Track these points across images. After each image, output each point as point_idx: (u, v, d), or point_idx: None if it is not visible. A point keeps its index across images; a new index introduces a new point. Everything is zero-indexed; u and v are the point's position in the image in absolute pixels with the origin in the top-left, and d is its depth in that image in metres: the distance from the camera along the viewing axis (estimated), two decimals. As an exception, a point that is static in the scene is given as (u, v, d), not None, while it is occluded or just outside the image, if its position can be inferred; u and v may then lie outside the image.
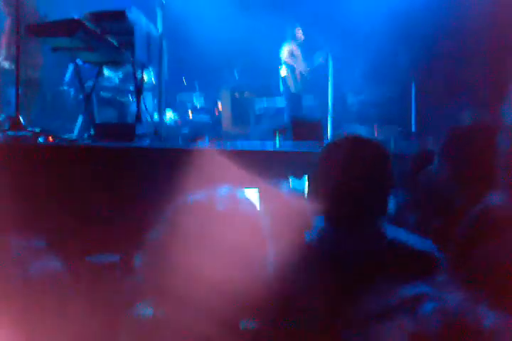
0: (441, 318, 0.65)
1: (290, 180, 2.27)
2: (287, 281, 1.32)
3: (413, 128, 6.51)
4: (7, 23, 4.69)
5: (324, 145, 1.56)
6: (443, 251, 1.41)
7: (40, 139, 3.63)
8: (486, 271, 1.04)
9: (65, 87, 6.47)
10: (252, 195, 1.77)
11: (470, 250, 1.18)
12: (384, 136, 6.03)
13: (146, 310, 1.16)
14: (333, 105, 6.73)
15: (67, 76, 6.43)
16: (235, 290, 1.08)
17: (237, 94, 8.31)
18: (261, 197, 1.75)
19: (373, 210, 1.49)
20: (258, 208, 1.26)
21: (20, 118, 3.56)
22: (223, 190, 1.19)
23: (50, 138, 3.76)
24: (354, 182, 1.45)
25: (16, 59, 3.48)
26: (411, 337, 0.64)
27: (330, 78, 6.76)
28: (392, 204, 1.55)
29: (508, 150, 1.23)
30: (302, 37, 7.12)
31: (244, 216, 1.15)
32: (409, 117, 6.63)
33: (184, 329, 1.07)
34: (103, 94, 6.40)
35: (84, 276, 1.94)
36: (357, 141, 1.52)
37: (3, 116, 4.25)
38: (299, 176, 2.38)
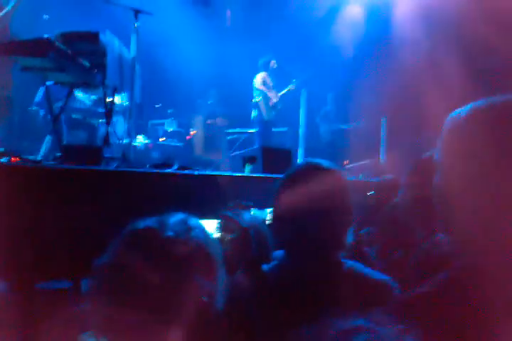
0: None
1: (252, 209, 2.25)
2: (239, 311, 1.29)
3: (382, 160, 6.61)
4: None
5: (285, 173, 1.54)
6: (399, 282, 1.39)
7: (3, 159, 3.53)
8: (419, 306, 1.04)
9: (35, 108, 6.39)
10: (210, 224, 1.73)
11: (411, 283, 1.19)
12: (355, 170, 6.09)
13: (89, 340, 1.13)
14: (305, 134, 6.80)
15: (38, 96, 6.35)
16: (183, 318, 1.05)
17: (209, 121, 8.34)
18: (220, 226, 1.72)
19: (332, 243, 1.47)
20: (213, 236, 1.24)
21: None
22: (176, 217, 1.17)
23: (13, 159, 3.67)
24: (312, 213, 1.42)
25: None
26: None
27: (301, 107, 6.86)
28: (351, 237, 1.52)
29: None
30: (275, 66, 7.25)
31: (194, 242, 1.12)
32: (378, 149, 6.74)
33: None
34: (74, 115, 6.34)
35: (34, 303, 1.86)
36: (317, 171, 1.49)
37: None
38: (262, 206, 2.36)
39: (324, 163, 1.51)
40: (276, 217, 1.53)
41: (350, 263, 1.46)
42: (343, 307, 0.77)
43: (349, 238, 1.47)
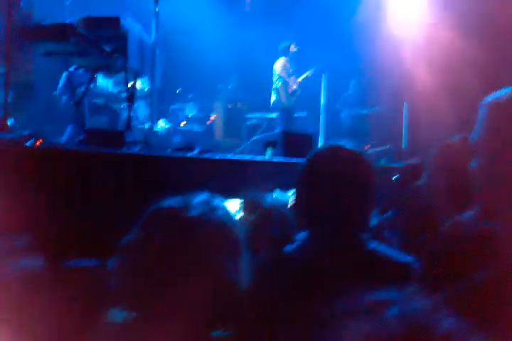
0: (402, 322, 0.68)
1: (274, 192, 2.26)
2: (263, 292, 1.30)
3: (404, 145, 6.54)
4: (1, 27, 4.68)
5: (308, 155, 1.53)
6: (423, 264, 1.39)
7: (28, 143, 3.59)
8: (450, 281, 1.05)
9: (58, 93, 6.45)
10: (233, 205, 1.75)
11: (438, 261, 1.19)
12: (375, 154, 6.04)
13: (118, 315, 1.15)
14: (326, 119, 6.75)
15: (61, 82, 6.41)
16: (207, 297, 1.07)
17: (230, 105, 8.33)
18: (243, 208, 1.73)
19: (355, 224, 1.46)
20: (236, 217, 1.25)
21: (8, 121, 3.53)
22: (200, 197, 1.18)
23: (38, 142, 3.73)
24: (337, 194, 1.42)
25: (6, 62, 3.46)
26: (368, 338, 0.67)
27: (323, 92, 6.79)
28: (375, 220, 1.52)
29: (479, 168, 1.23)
30: (295, 50, 7.18)
31: (217, 222, 1.13)
32: (400, 134, 6.66)
33: (154, 334, 1.06)
34: (96, 100, 6.39)
35: (62, 280, 1.91)
36: (341, 152, 1.48)
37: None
38: (284, 188, 2.36)
39: (347, 145, 1.50)
40: (299, 199, 1.52)
41: (373, 244, 1.46)
42: (366, 284, 0.78)
43: (372, 220, 1.47)
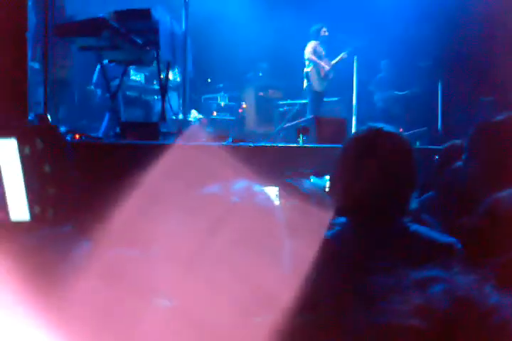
0: (448, 297, 0.68)
1: (311, 177, 2.27)
2: (306, 277, 1.32)
3: (439, 127, 6.42)
4: (34, 23, 4.79)
5: (346, 139, 1.53)
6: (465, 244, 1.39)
7: (68, 137, 3.69)
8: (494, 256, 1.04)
9: (92, 87, 6.57)
10: (271, 191, 1.77)
11: (480, 238, 1.18)
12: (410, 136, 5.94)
13: (163, 303, 1.18)
14: (358, 103, 6.66)
15: (95, 76, 6.52)
16: (250, 282, 1.08)
17: (261, 93, 8.32)
18: (280, 194, 1.75)
19: (396, 207, 1.46)
20: (276, 203, 1.26)
21: (48, 116, 3.63)
22: (240, 184, 1.19)
23: (77, 136, 3.83)
24: (376, 176, 1.41)
25: (44, 59, 3.54)
26: (419, 310, 0.68)
27: (355, 75, 6.69)
28: (414, 202, 1.51)
29: None
30: (326, 34, 7.08)
31: (259, 208, 1.14)
32: (435, 116, 6.54)
33: (199, 319, 1.08)
34: (129, 93, 6.48)
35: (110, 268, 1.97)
36: (380, 134, 1.47)
37: (32, 115, 4.35)
38: (320, 173, 2.37)
39: (386, 127, 1.48)
40: (337, 183, 1.52)
41: (414, 226, 1.46)
42: (409, 263, 0.79)
43: (412, 203, 1.46)
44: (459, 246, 1.40)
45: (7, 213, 1.83)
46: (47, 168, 1.90)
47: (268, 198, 1.19)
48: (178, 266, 1.17)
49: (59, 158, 1.98)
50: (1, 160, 1.83)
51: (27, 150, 1.85)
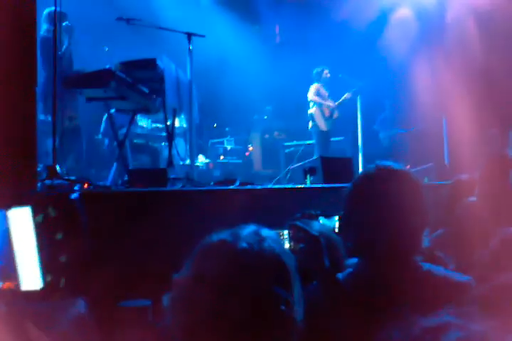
0: None
1: (320, 218, 2.25)
2: (318, 321, 1.29)
3: (446, 162, 6.41)
4: (43, 76, 4.93)
5: (355, 178, 1.52)
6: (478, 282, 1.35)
7: (76, 187, 3.71)
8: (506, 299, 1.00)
9: (100, 136, 6.68)
10: (280, 234, 1.75)
11: (490, 278, 1.15)
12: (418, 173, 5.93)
13: None
14: (364, 141, 6.71)
15: (102, 125, 6.65)
16: (261, 332, 1.06)
17: (267, 135, 8.41)
18: (290, 237, 1.73)
19: (408, 246, 1.43)
20: (285, 247, 1.25)
21: (57, 167, 3.66)
22: (248, 229, 1.19)
23: (86, 186, 3.85)
24: (388, 215, 1.39)
25: (53, 110, 3.62)
26: None
27: (359, 114, 6.78)
28: (426, 240, 1.49)
29: None
30: (328, 76, 7.23)
31: (268, 254, 1.13)
32: (441, 151, 6.55)
33: None
34: (136, 140, 6.58)
35: (117, 321, 1.93)
36: (389, 172, 1.46)
37: (41, 166, 4.40)
38: (329, 214, 2.35)
39: (395, 165, 1.48)
40: (347, 223, 1.51)
41: (427, 265, 1.43)
42: (425, 309, 0.74)
43: (424, 241, 1.44)
44: (474, 284, 1.36)
45: (18, 282, 1.81)
46: (59, 236, 1.90)
47: (277, 242, 1.18)
48: None
49: (71, 226, 1.99)
50: (14, 229, 1.83)
51: (40, 219, 1.85)
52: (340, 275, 1.49)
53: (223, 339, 1.08)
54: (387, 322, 0.75)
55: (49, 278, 1.83)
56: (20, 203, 1.82)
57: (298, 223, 1.71)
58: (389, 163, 1.49)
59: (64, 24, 4.91)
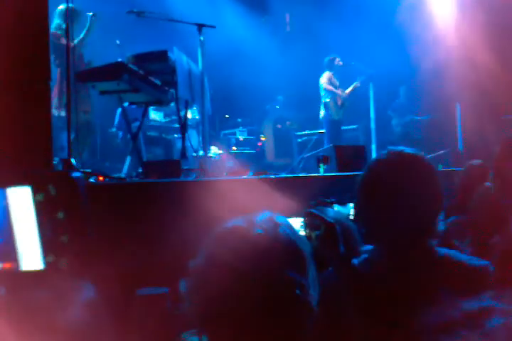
0: (509, 332, 0.59)
1: (335, 206, 2.26)
2: (334, 308, 1.30)
3: (460, 148, 6.36)
4: (57, 73, 4.98)
5: (368, 163, 1.51)
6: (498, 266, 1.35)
7: (92, 179, 3.76)
8: None
9: (114, 129, 6.73)
10: (295, 222, 1.77)
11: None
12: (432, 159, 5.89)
13: (191, 339, 1.17)
14: (376, 129, 6.68)
15: (116, 119, 6.69)
16: (277, 316, 1.07)
17: (279, 125, 8.40)
18: (305, 224, 1.74)
19: (423, 230, 1.43)
20: (300, 234, 1.25)
21: (72, 160, 3.71)
22: (262, 215, 1.19)
23: (101, 178, 3.90)
24: (402, 199, 1.38)
25: (67, 106, 3.65)
26: None
27: (371, 101, 6.74)
28: (441, 225, 1.49)
29: None
30: (340, 63, 7.19)
31: (283, 239, 1.14)
32: (455, 138, 6.50)
33: None
34: (150, 133, 6.62)
35: (134, 309, 1.97)
36: (403, 156, 1.45)
37: (57, 159, 4.45)
38: (343, 201, 2.36)
39: (407, 149, 1.47)
40: (362, 210, 1.51)
41: (443, 250, 1.43)
42: (445, 295, 0.72)
43: (440, 225, 1.43)
44: (492, 268, 1.36)
45: (17, 263, 1.82)
46: (60, 215, 1.91)
47: (292, 229, 1.19)
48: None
49: (73, 205, 1.99)
50: (14, 209, 1.84)
51: (40, 197, 1.86)
52: (356, 261, 1.50)
53: (240, 323, 1.09)
54: (418, 308, 0.72)
55: (50, 259, 1.84)
56: (21, 182, 1.83)
57: (313, 210, 1.72)
58: (401, 148, 1.48)
59: (87, 14, 4.93)
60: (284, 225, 1.18)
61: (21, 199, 1.84)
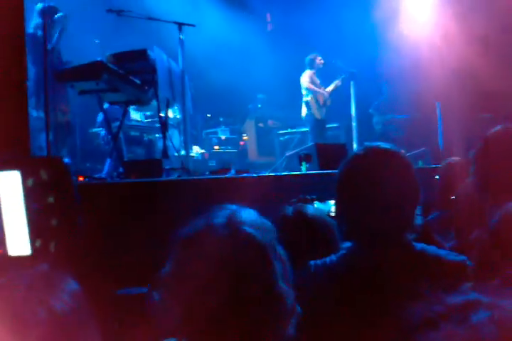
0: (499, 326, 0.58)
1: (315, 203, 2.26)
2: (312, 305, 1.29)
3: (440, 146, 6.43)
4: (34, 72, 4.90)
5: (344, 160, 1.52)
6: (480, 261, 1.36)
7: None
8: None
9: (95, 129, 6.65)
10: (277, 220, 1.77)
11: (495, 254, 1.16)
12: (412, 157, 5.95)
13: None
14: (358, 127, 6.72)
15: (98, 118, 6.62)
16: (255, 314, 1.07)
17: (261, 124, 8.41)
18: (285, 221, 1.75)
19: (400, 224, 1.43)
20: (280, 232, 1.24)
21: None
22: (223, 214, 1.16)
23: (81, 178, 3.85)
24: (379, 194, 1.39)
25: (45, 105, 3.60)
26: None
27: (352, 100, 6.78)
28: (419, 219, 1.49)
29: None
30: (321, 62, 7.21)
31: (243, 239, 1.12)
32: (435, 136, 6.57)
33: None
34: (131, 133, 6.56)
35: (114, 309, 1.95)
36: (379, 152, 1.46)
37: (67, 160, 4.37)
38: (324, 199, 2.37)
39: (384, 145, 1.48)
40: (340, 206, 1.51)
41: (420, 245, 1.44)
42: (426, 289, 0.71)
43: (417, 219, 1.44)
44: (469, 263, 1.38)
45: (5, 248, 1.79)
46: (50, 199, 1.89)
47: (254, 225, 1.18)
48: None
49: (63, 189, 1.98)
50: (2, 193, 1.81)
51: (30, 182, 1.84)
52: (333, 257, 1.50)
53: (215, 325, 1.09)
54: (398, 303, 0.71)
55: (38, 243, 1.82)
56: (10, 167, 1.80)
57: (293, 208, 1.73)
58: (377, 144, 1.49)
59: (57, 15, 4.85)
60: (245, 222, 1.16)
61: (10, 184, 1.82)
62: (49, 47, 4.21)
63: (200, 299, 1.08)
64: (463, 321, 0.60)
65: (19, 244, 1.80)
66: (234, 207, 1.21)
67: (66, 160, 2.19)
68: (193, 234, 1.15)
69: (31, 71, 4.75)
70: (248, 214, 1.19)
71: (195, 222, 1.17)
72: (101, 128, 6.31)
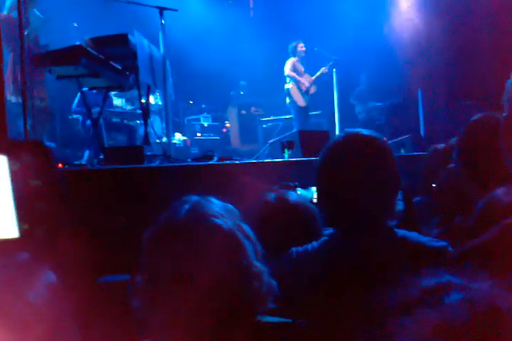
0: (471, 308, 0.58)
1: (298, 189, 2.26)
2: (291, 290, 1.29)
3: (422, 134, 6.48)
4: (10, 58, 4.78)
5: (325, 146, 1.52)
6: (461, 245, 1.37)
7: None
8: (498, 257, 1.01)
9: (74, 115, 6.55)
10: (259, 206, 1.75)
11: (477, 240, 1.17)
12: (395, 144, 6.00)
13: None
14: (340, 115, 6.73)
15: (75, 104, 6.51)
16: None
17: (244, 111, 8.37)
18: (267, 207, 1.73)
19: (380, 210, 1.43)
20: (233, 213, 1.23)
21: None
22: (187, 207, 1.16)
23: (60, 165, 3.79)
24: (359, 179, 1.39)
25: (22, 91, 3.51)
26: (437, 329, 0.58)
27: (335, 88, 6.78)
28: (400, 204, 1.49)
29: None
30: (303, 49, 7.18)
31: (210, 230, 1.12)
32: (417, 123, 6.62)
33: None
34: (112, 119, 6.47)
35: (95, 297, 1.93)
36: (359, 137, 1.46)
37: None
38: (306, 185, 2.36)
39: (364, 131, 1.48)
40: (321, 192, 1.51)
41: (402, 231, 1.44)
42: (405, 275, 0.71)
43: (398, 205, 1.44)
44: (451, 249, 1.38)
45: None
46: (36, 183, 1.88)
47: (222, 212, 1.17)
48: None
49: (48, 172, 1.96)
50: None
51: (16, 166, 1.82)
52: (315, 244, 1.49)
53: (196, 325, 1.08)
54: (378, 288, 0.71)
55: (26, 226, 1.81)
56: None
57: (276, 194, 1.72)
58: (357, 130, 1.49)
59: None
60: (207, 212, 1.15)
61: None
62: (25, 32, 4.10)
63: (180, 301, 1.07)
64: (436, 303, 0.60)
65: (6, 227, 1.78)
66: (194, 198, 1.20)
67: (48, 143, 2.17)
68: (160, 231, 1.15)
69: (6, 55, 4.64)
70: (209, 204, 1.19)
71: (160, 217, 1.17)
72: (77, 115, 6.21)
